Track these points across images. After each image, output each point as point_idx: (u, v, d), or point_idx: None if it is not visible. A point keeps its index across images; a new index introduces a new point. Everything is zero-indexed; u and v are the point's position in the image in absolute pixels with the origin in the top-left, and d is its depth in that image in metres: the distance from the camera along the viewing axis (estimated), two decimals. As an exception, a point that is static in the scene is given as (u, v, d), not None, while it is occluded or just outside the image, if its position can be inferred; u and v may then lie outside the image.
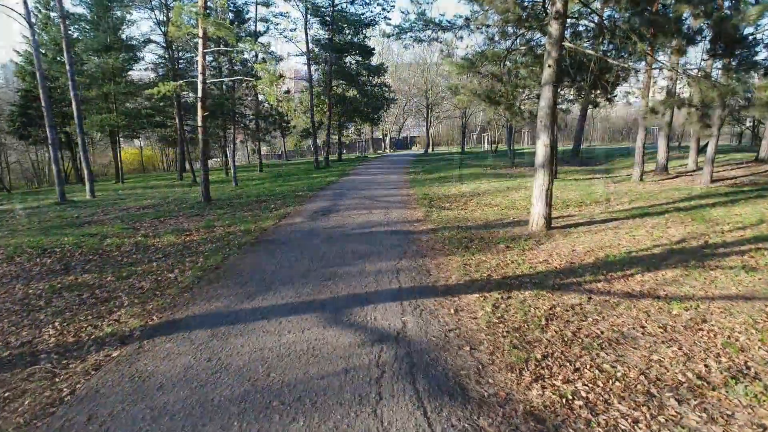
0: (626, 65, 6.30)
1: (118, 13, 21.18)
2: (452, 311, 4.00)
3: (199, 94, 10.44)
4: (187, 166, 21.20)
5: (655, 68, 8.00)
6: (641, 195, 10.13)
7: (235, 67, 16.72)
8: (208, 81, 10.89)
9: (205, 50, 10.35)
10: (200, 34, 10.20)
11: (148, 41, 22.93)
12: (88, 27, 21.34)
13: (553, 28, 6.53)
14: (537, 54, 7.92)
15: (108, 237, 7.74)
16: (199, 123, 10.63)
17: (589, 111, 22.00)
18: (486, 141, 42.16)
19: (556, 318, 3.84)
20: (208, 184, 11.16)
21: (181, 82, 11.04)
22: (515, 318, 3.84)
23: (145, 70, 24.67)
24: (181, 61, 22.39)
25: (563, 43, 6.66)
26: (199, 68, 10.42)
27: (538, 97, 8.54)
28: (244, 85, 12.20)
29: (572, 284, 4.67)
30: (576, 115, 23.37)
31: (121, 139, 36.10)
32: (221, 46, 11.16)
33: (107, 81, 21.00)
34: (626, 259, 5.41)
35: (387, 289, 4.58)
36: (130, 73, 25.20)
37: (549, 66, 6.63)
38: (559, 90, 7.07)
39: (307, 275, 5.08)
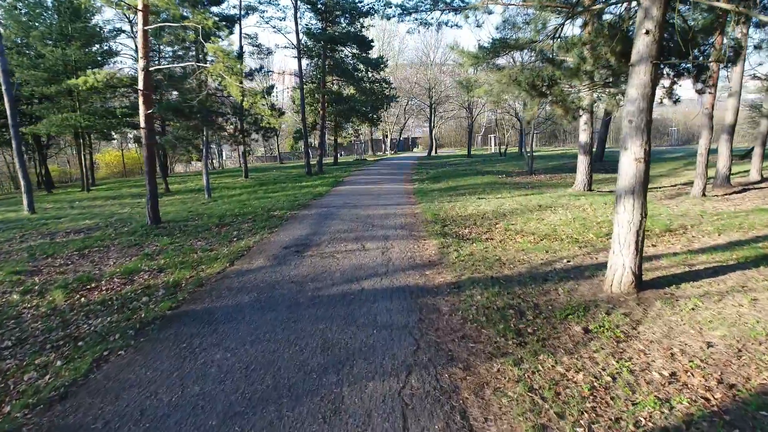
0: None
1: (82, -1, 18.59)
2: None
3: (140, 84, 7.92)
4: (176, 169, 18.64)
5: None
6: (724, 220, 7.58)
7: (202, 56, 14.21)
8: (151, 68, 8.36)
9: (146, 27, 7.83)
10: (139, 6, 7.69)
11: (120, 31, 20.40)
12: (46, 14, 18.78)
13: (656, -31, 4.01)
14: (607, 23, 5.38)
15: (-28, 292, 5.23)
16: (141, 123, 8.12)
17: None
18: (493, 143, 39.63)
19: None
20: (157, 202, 8.64)
21: (117, 70, 8.51)
22: None
23: (114, 63, 22.12)
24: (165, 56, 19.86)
25: (670, -5, 4.15)
26: (140, 51, 7.91)
27: (608, 85, 5.99)
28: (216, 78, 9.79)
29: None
30: (598, 115, 20.73)
31: (114, 140, 33.65)
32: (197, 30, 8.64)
33: (71, 75, 18.45)
34: (834, 380, 2.87)
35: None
36: (106, 67, 22.74)
37: (646, 32, 4.10)
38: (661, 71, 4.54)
39: None
